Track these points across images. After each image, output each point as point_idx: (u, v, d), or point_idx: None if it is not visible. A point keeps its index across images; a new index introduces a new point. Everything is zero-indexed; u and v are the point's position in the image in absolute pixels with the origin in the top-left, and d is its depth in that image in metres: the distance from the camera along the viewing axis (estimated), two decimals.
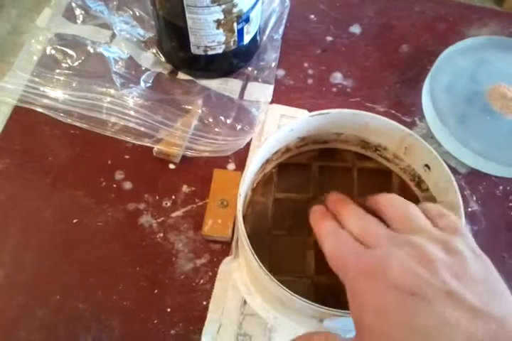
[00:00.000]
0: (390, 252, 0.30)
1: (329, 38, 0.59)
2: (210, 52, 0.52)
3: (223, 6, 0.47)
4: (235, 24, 0.49)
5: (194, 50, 0.52)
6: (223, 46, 0.52)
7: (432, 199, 0.42)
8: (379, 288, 0.28)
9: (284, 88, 0.56)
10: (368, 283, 0.29)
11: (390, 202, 0.35)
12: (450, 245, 0.30)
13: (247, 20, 0.50)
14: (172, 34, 0.53)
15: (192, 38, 0.50)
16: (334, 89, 0.56)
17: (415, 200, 0.40)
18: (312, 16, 0.60)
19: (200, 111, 0.54)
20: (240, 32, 0.51)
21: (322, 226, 0.36)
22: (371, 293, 0.28)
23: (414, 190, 0.45)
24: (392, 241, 0.31)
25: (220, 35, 0.50)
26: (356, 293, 0.30)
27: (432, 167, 0.41)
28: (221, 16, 0.48)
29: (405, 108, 0.55)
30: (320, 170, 0.48)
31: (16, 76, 0.55)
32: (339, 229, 0.35)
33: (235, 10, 0.48)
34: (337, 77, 0.57)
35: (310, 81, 0.57)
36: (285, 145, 0.46)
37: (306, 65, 0.58)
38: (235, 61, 0.55)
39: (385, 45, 0.59)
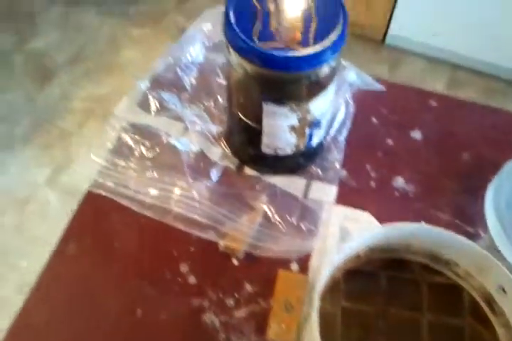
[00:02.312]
0: None
1: (390, 142, 0.61)
2: (280, 153, 0.54)
3: (299, 114, 0.49)
4: (307, 129, 0.52)
5: (265, 150, 0.54)
6: (293, 148, 0.54)
7: (508, 326, 0.41)
8: None
9: (347, 189, 0.58)
10: None
11: None
12: None
13: (318, 125, 0.53)
14: (244, 133, 0.56)
15: (265, 139, 0.52)
16: (397, 194, 0.58)
17: (487, 324, 0.40)
18: (374, 119, 0.63)
19: (265, 207, 0.55)
20: (310, 136, 0.53)
21: None
22: None
23: (486, 312, 0.44)
24: None
25: (292, 139, 0.52)
26: None
27: (508, 291, 0.41)
28: (296, 122, 0.50)
29: (468, 217, 0.55)
30: (388, 280, 0.48)
31: (90, 161, 0.58)
32: None
33: (309, 117, 0.50)
34: (399, 181, 0.58)
35: (372, 183, 0.58)
36: (355, 254, 0.46)
37: (368, 167, 0.59)
38: (301, 160, 0.57)
39: (445, 152, 0.61)
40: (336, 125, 0.61)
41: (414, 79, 1.74)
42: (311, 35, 0.43)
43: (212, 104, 0.61)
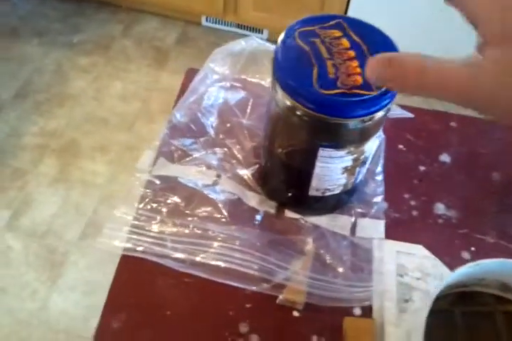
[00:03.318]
0: None
1: (422, 168, 0.60)
2: (327, 194, 0.52)
3: (355, 155, 0.47)
4: (357, 168, 0.50)
5: (312, 192, 0.51)
6: (341, 188, 0.51)
7: None
8: None
9: (390, 221, 0.56)
10: None
11: None
12: None
13: (366, 162, 0.51)
14: (286, 175, 0.53)
15: (314, 182, 0.50)
16: (440, 221, 0.56)
17: None
18: (401, 146, 0.62)
19: (314, 250, 0.53)
20: (358, 174, 0.51)
21: None
22: None
23: None
24: None
25: (342, 179, 0.50)
26: None
27: None
28: (350, 164, 0.48)
29: None
30: (463, 315, 0.46)
31: (119, 222, 0.53)
32: None
33: (362, 157, 0.48)
34: (440, 208, 0.57)
35: (414, 213, 0.57)
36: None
37: (406, 196, 0.58)
38: (344, 197, 0.55)
39: (476, 173, 0.60)
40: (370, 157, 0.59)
41: None
42: None
43: (237, 146, 0.58)
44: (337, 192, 0.52)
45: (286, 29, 0.44)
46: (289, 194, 0.54)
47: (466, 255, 0.55)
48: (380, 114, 0.43)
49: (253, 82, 0.62)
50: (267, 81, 0.62)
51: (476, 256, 0.55)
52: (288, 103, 0.42)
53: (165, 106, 1.75)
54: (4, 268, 1.38)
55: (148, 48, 1.90)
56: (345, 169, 0.48)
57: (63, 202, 1.50)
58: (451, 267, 0.53)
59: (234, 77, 0.61)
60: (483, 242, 0.55)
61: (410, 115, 0.63)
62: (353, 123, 0.42)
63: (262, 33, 1.95)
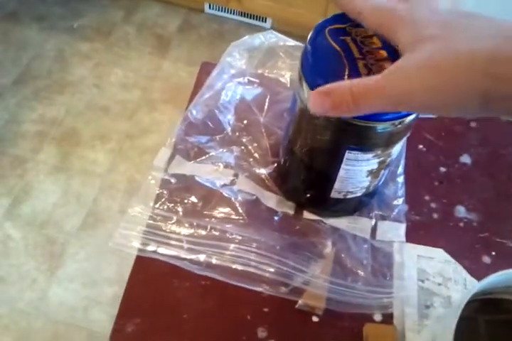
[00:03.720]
0: None
1: (443, 169, 0.59)
2: (349, 196, 0.50)
3: (382, 158, 0.45)
4: (382, 171, 0.48)
5: (334, 195, 0.50)
6: (364, 190, 0.50)
7: None
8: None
9: (411, 224, 0.55)
10: None
11: None
12: None
13: (391, 165, 0.49)
14: (306, 176, 0.51)
15: (337, 185, 0.48)
16: (461, 224, 0.55)
17: None
18: (421, 146, 0.60)
19: (334, 253, 0.51)
20: (382, 176, 0.50)
21: None
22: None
23: None
24: None
25: (366, 182, 0.49)
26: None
27: None
28: (375, 166, 0.46)
29: None
30: (486, 323, 0.45)
31: (134, 221, 0.51)
32: None
33: (388, 160, 0.47)
34: (461, 211, 0.56)
35: (435, 215, 0.56)
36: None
37: (427, 198, 0.57)
38: (365, 200, 0.54)
39: (497, 175, 0.59)
40: None
41: None
42: None
43: (254, 144, 0.56)
44: (359, 194, 0.50)
45: (316, 26, 0.42)
46: (308, 195, 0.53)
47: (486, 259, 0.53)
48: (410, 118, 0.41)
49: (271, 78, 0.60)
50: (284, 77, 0.60)
51: (496, 261, 0.54)
52: None
53: (166, 94, 1.72)
54: (3, 258, 1.36)
55: (149, 35, 1.87)
56: (370, 172, 0.47)
57: (63, 192, 1.48)
58: (472, 272, 0.52)
59: (251, 72, 0.59)
60: (504, 246, 0.54)
61: (431, 115, 0.61)
62: (383, 127, 0.41)
63: (265, 21, 1.92)
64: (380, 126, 0.41)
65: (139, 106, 1.68)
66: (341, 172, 0.47)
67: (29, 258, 1.34)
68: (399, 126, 0.41)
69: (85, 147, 1.58)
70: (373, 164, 0.46)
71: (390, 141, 0.43)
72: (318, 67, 0.40)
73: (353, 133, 0.42)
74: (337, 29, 0.42)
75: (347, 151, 0.43)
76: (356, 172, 0.47)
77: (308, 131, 0.47)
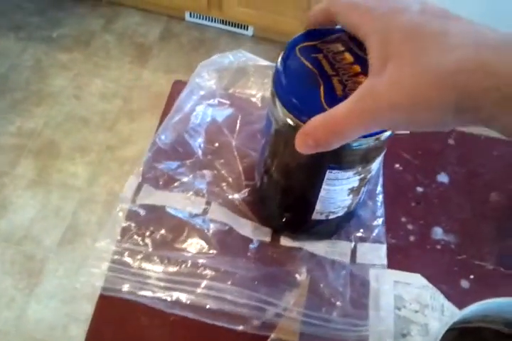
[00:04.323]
0: None
1: (420, 189, 0.58)
2: (330, 217, 0.49)
3: (362, 175, 0.44)
4: (362, 188, 0.47)
5: (315, 216, 0.48)
6: (346, 209, 0.48)
7: None
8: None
9: (388, 247, 0.53)
10: None
11: None
12: None
13: (370, 181, 0.48)
14: (284, 200, 0.50)
15: (318, 206, 0.47)
16: (438, 246, 0.54)
17: None
18: (397, 165, 0.59)
19: (308, 282, 0.50)
20: (362, 193, 0.48)
21: None
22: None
23: None
24: None
25: (348, 200, 0.47)
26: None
27: None
28: (356, 184, 0.45)
29: None
30: None
31: (99, 258, 0.49)
32: None
33: (368, 176, 0.45)
34: (438, 233, 0.55)
35: (412, 238, 0.54)
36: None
37: (403, 219, 0.55)
38: (343, 221, 0.52)
39: (474, 195, 0.58)
40: None
41: None
42: None
43: (227, 167, 0.54)
44: (341, 214, 0.49)
45: (287, 45, 0.40)
46: (285, 218, 0.51)
47: (465, 283, 0.52)
48: (389, 132, 0.40)
49: (242, 98, 0.58)
50: (256, 96, 0.59)
51: (474, 285, 0.52)
52: (291, 122, 0.39)
53: (146, 104, 1.70)
54: None
55: (129, 44, 1.85)
56: (352, 190, 0.45)
57: (42, 206, 1.45)
58: (450, 297, 0.51)
59: (221, 93, 0.57)
60: (483, 269, 0.53)
61: (405, 131, 0.60)
62: (362, 143, 0.39)
63: (247, 29, 1.90)
64: (355, 144, 0.39)
65: (118, 116, 1.66)
66: (322, 193, 0.45)
67: (6, 276, 1.31)
68: (378, 141, 0.40)
69: (64, 160, 1.55)
70: (354, 181, 0.44)
71: (369, 157, 0.42)
72: (291, 86, 0.38)
73: (333, 151, 0.40)
74: (308, 47, 0.40)
75: (328, 171, 0.42)
76: (337, 192, 0.45)
77: (285, 152, 0.45)
